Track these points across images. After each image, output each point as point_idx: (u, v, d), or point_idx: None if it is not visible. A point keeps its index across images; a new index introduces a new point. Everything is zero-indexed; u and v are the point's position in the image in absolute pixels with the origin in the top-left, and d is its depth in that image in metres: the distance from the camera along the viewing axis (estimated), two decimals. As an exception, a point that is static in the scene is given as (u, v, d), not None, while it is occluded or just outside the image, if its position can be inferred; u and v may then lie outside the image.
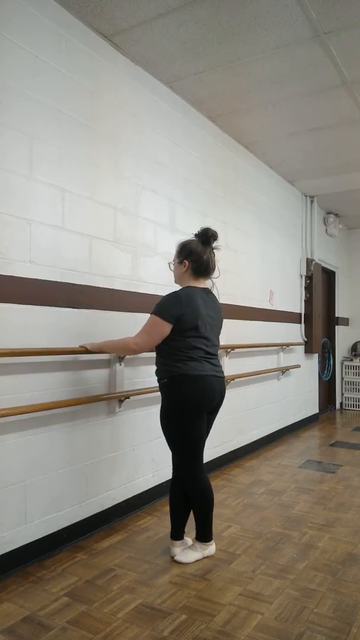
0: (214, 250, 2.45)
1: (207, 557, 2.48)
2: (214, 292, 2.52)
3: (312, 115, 3.86)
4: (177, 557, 2.44)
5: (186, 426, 2.35)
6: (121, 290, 2.99)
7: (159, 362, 2.40)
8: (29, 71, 2.40)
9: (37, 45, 2.44)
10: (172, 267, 2.51)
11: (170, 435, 2.40)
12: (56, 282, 2.54)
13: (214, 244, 2.44)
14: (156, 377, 2.43)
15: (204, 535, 2.48)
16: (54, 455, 2.53)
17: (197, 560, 2.44)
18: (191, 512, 2.52)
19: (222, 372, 2.47)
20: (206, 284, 2.48)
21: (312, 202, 6.07)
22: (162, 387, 2.40)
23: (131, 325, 2.93)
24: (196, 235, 2.45)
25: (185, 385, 2.31)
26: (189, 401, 2.32)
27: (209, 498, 2.44)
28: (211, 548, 2.50)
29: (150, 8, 2.61)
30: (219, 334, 2.51)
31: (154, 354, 2.46)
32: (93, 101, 2.79)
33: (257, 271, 4.79)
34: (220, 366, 2.48)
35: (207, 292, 2.46)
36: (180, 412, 2.34)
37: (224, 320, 4.03)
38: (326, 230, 6.64)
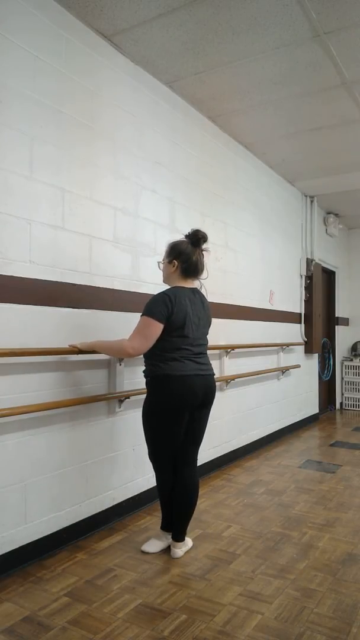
0: (204, 252, 2.47)
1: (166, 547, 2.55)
2: (202, 291, 2.54)
3: (312, 115, 3.86)
4: (142, 547, 2.56)
5: (160, 426, 2.41)
6: (121, 290, 2.99)
7: (145, 360, 2.45)
8: (29, 71, 2.40)
9: (37, 45, 2.44)
10: (161, 266, 2.52)
11: (147, 428, 2.48)
12: (56, 282, 2.54)
13: (204, 246, 2.46)
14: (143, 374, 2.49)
15: (163, 525, 2.61)
16: (54, 455, 2.53)
17: (162, 549, 2.54)
18: (196, 512, 2.53)
19: (210, 370, 2.47)
20: (194, 284, 2.50)
21: (312, 202, 6.06)
22: (146, 384, 2.46)
23: (131, 325, 2.92)
24: (186, 236, 2.46)
25: (166, 385, 2.34)
26: (168, 401, 2.35)
27: (165, 497, 2.55)
28: (181, 547, 2.52)
29: (150, 8, 2.61)
30: (206, 333, 2.52)
31: None
32: (93, 101, 2.79)
33: (257, 271, 4.79)
34: (208, 364, 2.48)
35: (195, 291, 2.47)
36: (158, 410, 2.39)
37: (224, 320, 4.08)
38: (326, 230, 6.64)
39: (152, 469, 2.58)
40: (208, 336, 2.55)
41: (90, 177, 2.78)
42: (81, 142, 2.71)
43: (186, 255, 2.41)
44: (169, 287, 2.46)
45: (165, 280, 2.51)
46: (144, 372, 2.47)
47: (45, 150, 2.49)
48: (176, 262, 2.42)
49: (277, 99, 3.59)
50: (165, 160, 3.42)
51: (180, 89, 3.48)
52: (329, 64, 3.14)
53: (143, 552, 2.51)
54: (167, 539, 2.56)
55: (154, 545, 2.54)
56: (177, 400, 2.35)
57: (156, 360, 2.36)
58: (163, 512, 2.60)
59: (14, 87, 2.33)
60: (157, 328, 2.30)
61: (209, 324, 2.54)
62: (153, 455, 2.52)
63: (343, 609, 2.03)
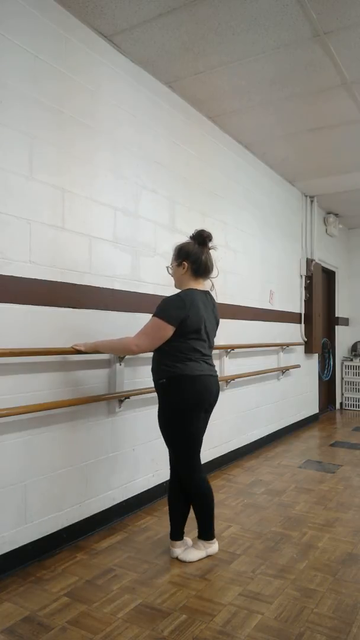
0: (211, 250, 2.47)
1: (210, 555, 2.49)
2: (212, 293, 2.54)
3: (312, 115, 3.86)
4: (180, 556, 2.45)
5: (186, 425, 2.36)
6: (121, 290, 2.99)
7: (156, 362, 2.40)
8: (29, 71, 2.40)
9: (37, 45, 2.44)
10: (171, 270, 2.52)
11: (170, 435, 2.41)
12: (56, 282, 2.54)
13: (210, 244, 2.45)
14: (152, 376, 2.44)
15: (206, 533, 2.49)
16: (54, 455, 2.53)
17: (200, 559, 2.45)
18: (191, 512, 2.52)
19: (216, 372, 2.49)
20: (205, 284, 2.50)
21: (312, 202, 6.07)
22: (160, 387, 2.40)
23: (131, 325, 2.93)
24: (191, 237, 2.47)
25: (185, 385, 2.33)
26: (189, 400, 2.34)
27: (209, 497, 2.46)
28: (214, 546, 2.51)
29: (150, 8, 2.61)
30: (215, 335, 2.54)
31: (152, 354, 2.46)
32: (93, 101, 2.79)
33: (257, 271, 4.79)
34: (214, 366, 2.50)
35: (207, 294, 2.48)
36: (180, 411, 2.35)
37: (223, 320, 4.06)
38: (326, 230, 6.64)
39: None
40: None
41: (90, 177, 2.78)
42: (81, 142, 2.71)
43: (195, 255, 2.41)
44: (177, 289, 2.46)
45: (177, 284, 2.50)
46: (153, 373, 2.42)
47: (45, 150, 2.49)
48: (186, 264, 2.41)
49: (277, 99, 3.59)
50: (165, 160, 3.42)
51: (180, 89, 3.48)
52: (329, 64, 3.13)
53: (182, 561, 2.43)
54: (205, 547, 2.49)
55: (193, 554, 2.46)
56: (197, 399, 2.35)
57: (172, 360, 2.33)
58: (206, 519, 2.48)
59: (14, 87, 2.33)
60: (167, 330, 2.29)
61: (217, 326, 2.55)
62: (185, 461, 2.41)
63: (343, 609, 2.03)
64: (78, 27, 2.69)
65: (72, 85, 2.64)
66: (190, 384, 2.33)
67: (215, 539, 2.52)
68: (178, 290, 2.45)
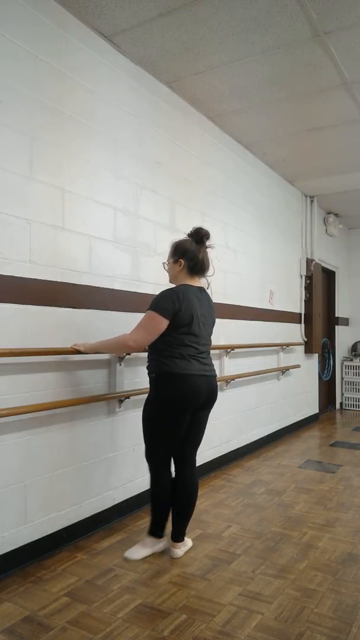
0: (208, 249, 2.47)
1: (156, 553, 2.50)
2: (208, 291, 2.54)
3: (312, 115, 3.86)
4: (125, 554, 2.47)
5: (164, 422, 2.38)
6: (121, 290, 2.99)
7: (149, 357, 2.43)
8: (29, 71, 2.40)
9: (37, 46, 2.44)
10: (167, 267, 2.52)
11: (147, 426, 2.45)
12: (56, 282, 2.54)
13: (207, 243, 2.46)
14: (147, 371, 2.47)
15: (151, 529, 2.53)
16: (54, 455, 2.53)
17: (145, 557, 2.46)
18: (195, 511, 2.53)
19: (213, 371, 2.48)
20: (201, 282, 2.50)
21: (312, 202, 6.07)
22: (151, 381, 2.44)
23: (131, 325, 2.92)
24: (189, 234, 2.47)
25: (171, 382, 2.33)
26: (173, 398, 2.34)
27: (162, 496, 2.49)
28: (160, 545, 2.53)
29: (150, 8, 2.61)
30: (211, 332, 2.53)
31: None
32: (93, 101, 2.79)
33: (257, 271, 4.79)
34: (212, 365, 2.49)
35: (202, 290, 2.48)
36: (162, 407, 2.37)
37: (224, 320, 4.08)
38: (326, 230, 6.64)
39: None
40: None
41: (90, 177, 2.78)
42: (81, 142, 2.71)
43: (191, 253, 2.41)
44: (172, 285, 2.46)
45: (172, 280, 2.51)
46: (147, 367, 2.44)
47: (45, 150, 2.49)
48: (182, 261, 2.42)
49: (277, 98, 3.59)
50: (165, 160, 3.42)
51: (180, 89, 3.48)
52: (329, 64, 3.13)
53: (126, 560, 2.45)
54: (151, 545, 2.52)
55: (137, 552, 2.48)
56: (181, 399, 2.33)
57: (161, 356, 2.35)
58: (154, 516, 2.53)
59: (14, 87, 2.33)
60: (161, 323, 2.30)
61: (213, 323, 2.54)
62: (151, 455, 2.50)
63: (343, 609, 2.04)
64: (78, 27, 2.69)
65: (72, 85, 2.64)
66: (177, 382, 2.32)
67: (164, 538, 2.54)
68: (173, 286, 2.45)
